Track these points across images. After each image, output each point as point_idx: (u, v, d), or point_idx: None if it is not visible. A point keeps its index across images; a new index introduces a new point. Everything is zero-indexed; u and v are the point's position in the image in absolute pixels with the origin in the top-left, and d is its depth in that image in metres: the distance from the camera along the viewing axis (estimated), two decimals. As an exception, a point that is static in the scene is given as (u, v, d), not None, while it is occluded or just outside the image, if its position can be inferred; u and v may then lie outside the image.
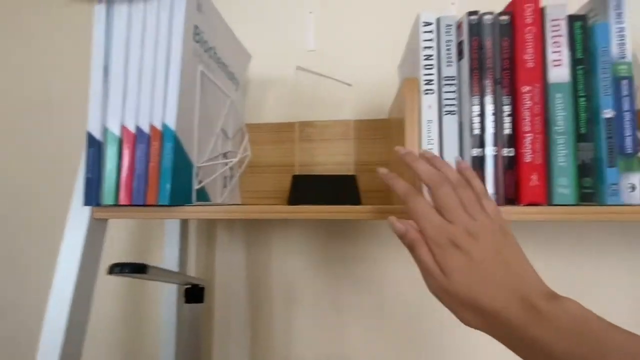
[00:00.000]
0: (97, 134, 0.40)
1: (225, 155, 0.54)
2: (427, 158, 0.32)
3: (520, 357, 0.26)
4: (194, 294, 0.54)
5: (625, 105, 0.35)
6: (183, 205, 0.41)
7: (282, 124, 0.60)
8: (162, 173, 0.39)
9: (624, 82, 0.35)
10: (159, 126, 0.40)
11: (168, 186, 0.39)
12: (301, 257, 0.64)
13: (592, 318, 0.24)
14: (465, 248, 0.27)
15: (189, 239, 0.67)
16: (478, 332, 0.27)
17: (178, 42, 0.40)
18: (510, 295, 0.26)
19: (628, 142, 0.35)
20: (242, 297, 0.66)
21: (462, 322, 0.28)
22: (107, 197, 0.39)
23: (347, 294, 0.62)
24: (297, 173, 0.47)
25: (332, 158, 0.56)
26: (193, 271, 0.67)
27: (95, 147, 0.40)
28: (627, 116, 0.35)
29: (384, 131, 0.57)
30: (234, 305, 0.66)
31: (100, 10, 0.41)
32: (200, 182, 0.44)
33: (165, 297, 0.61)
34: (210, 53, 0.47)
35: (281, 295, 0.64)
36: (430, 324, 0.60)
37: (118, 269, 0.31)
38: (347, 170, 0.56)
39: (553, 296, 0.26)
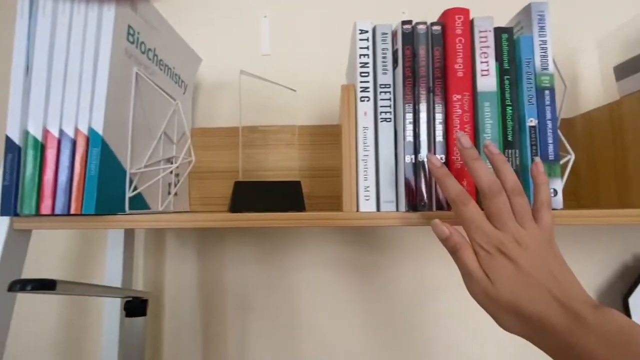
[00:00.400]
0: (17, 139, 0.37)
1: (170, 161, 0.52)
2: (491, 153, 0.32)
3: None
4: (135, 307, 0.51)
5: (548, 114, 0.37)
6: (113, 214, 0.39)
7: (229, 128, 0.58)
8: (88, 180, 0.37)
9: (547, 92, 0.37)
10: (85, 130, 0.37)
11: (94, 194, 0.36)
12: (256, 264, 0.63)
13: (637, 329, 0.25)
14: (513, 256, 0.28)
15: (136, 248, 0.64)
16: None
17: (107, 41, 0.38)
18: (556, 304, 0.27)
19: (550, 149, 0.37)
20: (194, 308, 0.63)
21: (502, 327, 0.29)
22: (27, 206, 0.37)
23: (303, 302, 0.61)
24: (240, 179, 0.46)
25: (278, 164, 0.55)
26: (141, 282, 0.64)
27: (14, 153, 0.37)
28: (550, 124, 0.37)
29: (330, 137, 0.57)
30: (186, 316, 0.63)
31: (23, 5, 0.39)
32: (135, 189, 0.42)
33: (107, 311, 0.57)
34: (149, 55, 0.45)
35: (235, 304, 0.63)
36: (391, 328, 0.60)
37: (18, 286, 0.28)
38: (292, 176, 0.56)
39: (598, 306, 0.26)
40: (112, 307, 0.57)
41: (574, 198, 0.55)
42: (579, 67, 0.60)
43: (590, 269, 0.59)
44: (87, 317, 0.64)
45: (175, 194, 0.55)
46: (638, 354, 0.24)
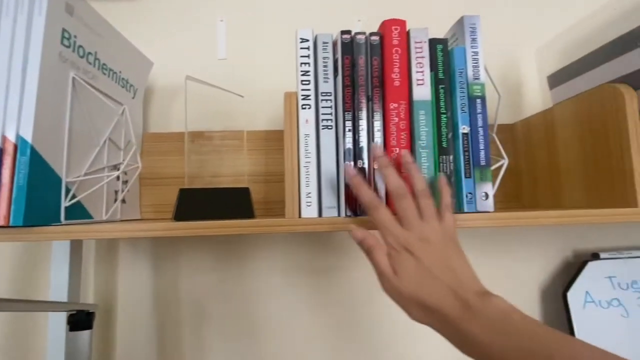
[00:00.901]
0: (-64, 147, 0.35)
1: (117, 168, 0.50)
2: (404, 162, 0.36)
3: (457, 348, 0.30)
4: (79, 320, 0.49)
5: (480, 122, 0.39)
6: (47, 225, 0.37)
7: (181, 133, 0.57)
8: (16, 190, 0.35)
9: (478, 101, 0.39)
10: (12, 138, 0.36)
11: (22, 205, 0.35)
12: (212, 272, 0.62)
13: (515, 313, 0.28)
14: (417, 253, 0.31)
15: (86, 259, 0.61)
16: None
17: (37, 45, 0.36)
18: (450, 294, 0.30)
19: (482, 155, 0.39)
20: (149, 318, 0.61)
21: (412, 318, 0.32)
22: (-53, 218, 0.34)
23: (261, 308, 0.61)
24: (187, 186, 0.45)
25: (228, 169, 0.55)
26: (91, 294, 0.61)
27: None
28: (481, 132, 0.39)
29: (279, 142, 0.57)
30: (140, 327, 0.61)
31: (-56, 6, 0.36)
32: (73, 197, 0.41)
33: (52, 326, 0.55)
34: (89, 58, 0.44)
35: (191, 313, 0.61)
36: (347, 330, 0.61)
37: None
38: (244, 182, 0.55)
39: (484, 294, 0.30)
40: (57, 321, 0.54)
41: (517, 200, 0.58)
42: (521, 76, 0.64)
43: (535, 266, 0.62)
44: (32, 331, 0.60)
45: (124, 201, 0.53)
46: (513, 334, 0.27)
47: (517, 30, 0.65)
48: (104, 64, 0.47)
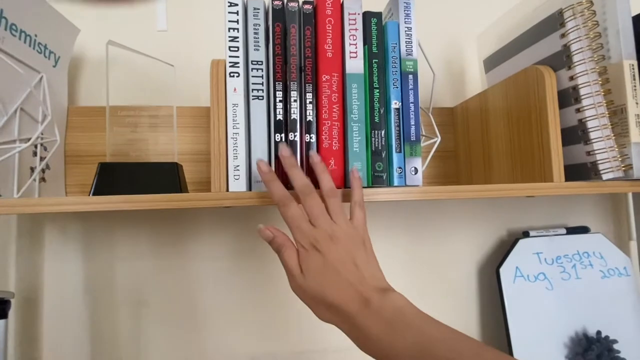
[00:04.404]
0: None
1: (30, 142, 0.45)
2: (313, 162, 0.35)
3: (358, 346, 0.30)
4: (-9, 308, 0.44)
5: (411, 98, 0.39)
6: None
7: (111, 108, 0.53)
8: None
9: (410, 77, 0.39)
10: None
11: None
12: (151, 257, 0.59)
13: (409, 309, 0.29)
14: (324, 250, 0.31)
15: (6, 245, 0.55)
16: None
17: None
18: (352, 292, 0.30)
19: (412, 131, 0.39)
20: (80, 307, 0.57)
21: (318, 317, 0.32)
22: None
23: (201, 293, 0.59)
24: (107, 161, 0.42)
25: (155, 147, 0.52)
26: (12, 282, 0.56)
27: None
28: (412, 107, 0.39)
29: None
30: (70, 318, 0.57)
31: None
32: (-30, 171, 0.36)
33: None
34: (-10, 16, 0.39)
35: (128, 301, 0.58)
36: (289, 313, 0.61)
37: None
38: (170, 160, 0.53)
39: (385, 291, 0.30)
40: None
41: (455, 179, 0.60)
42: (463, 61, 0.66)
43: (473, 244, 0.65)
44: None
45: (44, 180, 0.49)
46: (403, 330, 0.28)
47: (461, 15, 0.67)
48: (13, 25, 0.42)
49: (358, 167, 0.37)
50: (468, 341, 0.27)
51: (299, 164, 0.36)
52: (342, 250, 0.31)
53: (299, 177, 0.34)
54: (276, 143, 0.37)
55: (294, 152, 0.37)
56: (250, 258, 0.60)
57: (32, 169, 0.46)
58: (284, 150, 0.35)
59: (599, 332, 0.59)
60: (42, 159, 0.48)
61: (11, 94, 0.42)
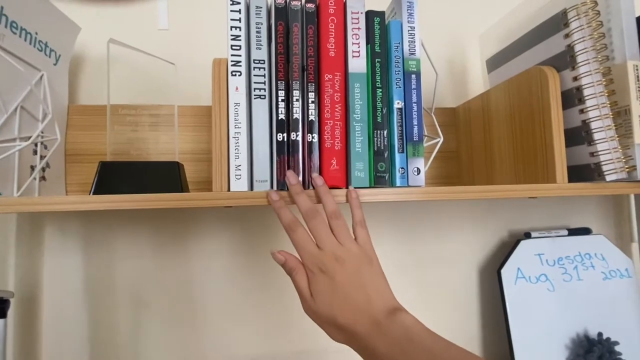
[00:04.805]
0: None
1: (30, 140, 0.45)
2: (315, 185, 0.36)
3: None
4: (-10, 308, 0.44)
5: (414, 97, 0.39)
6: None
7: (112, 106, 0.53)
8: None
9: (413, 76, 0.39)
10: None
11: None
12: (151, 257, 0.58)
13: (417, 329, 0.29)
14: (330, 273, 0.32)
15: (6, 242, 0.55)
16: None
17: None
18: (360, 313, 0.31)
19: (415, 131, 0.39)
20: (80, 308, 0.57)
21: (330, 337, 0.33)
22: None
23: (202, 293, 0.59)
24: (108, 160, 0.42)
25: (157, 146, 0.52)
26: (11, 281, 0.56)
27: None
28: (415, 107, 0.39)
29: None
30: (70, 317, 0.56)
31: None
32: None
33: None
34: (-9, 13, 0.39)
35: (128, 301, 0.58)
36: (291, 313, 0.60)
37: None
38: (171, 159, 0.53)
39: (393, 311, 0.31)
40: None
41: (457, 180, 0.60)
42: (466, 61, 0.66)
43: (475, 245, 0.65)
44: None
45: (44, 179, 0.48)
46: (412, 350, 0.28)
47: (464, 15, 0.66)
48: (13, 22, 0.42)
49: (360, 167, 0.37)
50: None
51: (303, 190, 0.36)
52: (348, 271, 0.32)
53: (303, 203, 0.35)
54: (279, 143, 0.36)
55: (296, 152, 0.37)
56: (251, 258, 0.59)
57: (33, 168, 0.46)
58: (292, 178, 0.35)
59: (600, 334, 0.59)
60: (42, 157, 0.47)
61: (11, 92, 0.42)
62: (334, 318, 0.31)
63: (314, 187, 0.36)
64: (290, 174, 0.36)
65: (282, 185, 0.36)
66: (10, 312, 0.48)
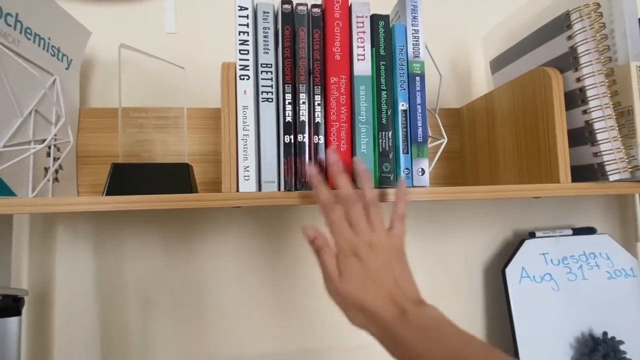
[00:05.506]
0: None
1: (45, 143, 0.46)
2: (357, 169, 0.36)
3: (390, 353, 0.31)
4: (6, 306, 0.46)
5: (418, 99, 0.40)
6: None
7: (115, 109, 0.54)
8: None
9: (417, 79, 0.40)
10: None
11: None
12: (160, 257, 0.59)
13: (446, 322, 0.30)
14: (363, 258, 0.32)
15: (19, 242, 0.57)
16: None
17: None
18: (389, 300, 0.31)
19: (419, 132, 0.40)
20: (91, 306, 0.58)
21: (349, 320, 0.33)
22: None
23: (211, 291, 0.60)
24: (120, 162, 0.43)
25: (166, 148, 0.53)
26: (25, 281, 0.57)
27: None
28: (419, 109, 0.40)
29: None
30: (81, 316, 0.58)
31: None
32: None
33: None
34: (8, 20, 0.40)
35: (138, 299, 0.59)
36: (299, 312, 0.61)
37: None
38: (180, 160, 0.54)
39: (420, 303, 0.32)
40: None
41: (461, 180, 0.60)
42: (469, 62, 0.66)
43: (479, 245, 0.66)
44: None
45: (57, 180, 0.50)
46: (440, 341, 0.29)
47: (467, 17, 0.67)
48: (27, 28, 0.43)
49: (369, 167, 0.38)
50: (506, 358, 0.28)
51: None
52: (380, 260, 0.33)
53: (344, 185, 0.35)
54: (286, 144, 0.37)
55: (303, 153, 0.37)
56: (258, 258, 0.60)
57: (46, 169, 0.47)
58: (333, 156, 0.36)
59: (605, 333, 0.59)
60: (55, 159, 0.49)
61: (26, 96, 0.43)
62: (361, 301, 0.31)
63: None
64: (331, 151, 0.36)
65: (289, 185, 0.37)
66: (24, 310, 0.49)
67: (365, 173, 0.36)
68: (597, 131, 0.40)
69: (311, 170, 0.36)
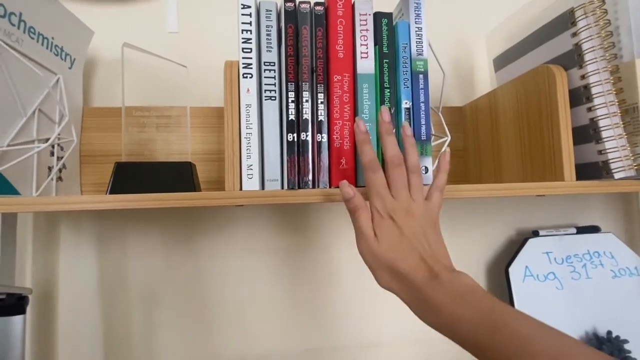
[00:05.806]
0: None
1: (49, 142, 0.47)
2: (404, 134, 0.36)
3: (418, 315, 0.31)
4: (10, 305, 0.46)
5: (421, 97, 0.40)
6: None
7: (118, 108, 0.54)
8: None
9: (421, 77, 0.40)
10: None
11: None
12: (163, 255, 0.60)
13: (480, 289, 0.30)
14: (400, 222, 0.33)
15: (22, 241, 0.57)
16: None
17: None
18: (422, 263, 0.32)
19: (423, 130, 0.39)
20: (94, 305, 0.58)
21: (378, 281, 0.33)
22: None
23: (214, 290, 0.60)
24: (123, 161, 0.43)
25: (169, 147, 0.53)
26: (29, 279, 0.58)
27: None
28: (423, 107, 0.40)
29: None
30: (84, 314, 0.58)
31: None
32: (-9, 171, 0.37)
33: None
34: (11, 19, 0.40)
35: (141, 298, 0.59)
36: (312, 314, 0.61)
37: None
38: (183, 159, 0.54)
39: (453, 270, 0.32)
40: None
41: (465, 178, 0.60)
42: (473, 60, 0.66)
43: (483, 243, 0.65)
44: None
45: (61, 179, 0.50)
46: (473, 305, 0.29)
47: (471, 15, 0.67)
48: (31, 27, 0.43)
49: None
50: (541, 325, 0.28)
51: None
52: (416, 226, 0.33)
53: (391, 146, 0.35)
54: (289, 143, 0.37)
55: (306, 151, 0.37)
56: (261, 256, 0.60)
57: (50, 169, 0.47)
58: (386, 115, 0.35)
59: (609, 332, 0.59)
60: (59, 158, 0.49)
61: (30, 96, 0.43)
62: (394, 262, 0.32)
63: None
64: (384, 109, 0.36)
65: (292, 183, 0.37)
66: (28, 309, 0.50)
67: (411, 139, 0.36)
68: (602, 129, 0.40)
69: (361, 126, 0.35)
